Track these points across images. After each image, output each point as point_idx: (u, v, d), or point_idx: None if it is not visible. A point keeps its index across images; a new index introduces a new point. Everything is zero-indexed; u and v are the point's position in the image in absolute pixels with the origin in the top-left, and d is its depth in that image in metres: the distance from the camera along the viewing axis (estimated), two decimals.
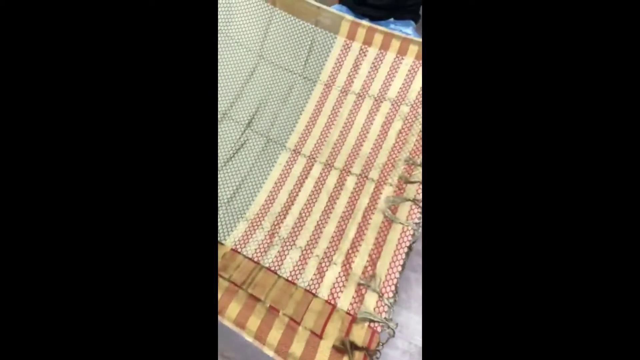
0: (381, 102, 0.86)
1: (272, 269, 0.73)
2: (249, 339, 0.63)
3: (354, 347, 0.63)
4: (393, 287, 0.66)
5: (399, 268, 0.67)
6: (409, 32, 1.09)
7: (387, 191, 0.76)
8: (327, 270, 0.71)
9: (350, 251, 0.72)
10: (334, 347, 0.63)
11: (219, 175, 0.83)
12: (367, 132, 0.84)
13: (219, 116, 0.88)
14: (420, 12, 1.12)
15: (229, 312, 0.65)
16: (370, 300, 0.66)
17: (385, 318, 0.64)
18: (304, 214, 0.78)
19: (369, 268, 0.69)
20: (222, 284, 0.69)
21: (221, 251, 0.74)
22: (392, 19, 1.08)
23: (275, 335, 0.63)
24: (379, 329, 0.64)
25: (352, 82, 0.90)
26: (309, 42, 0.93)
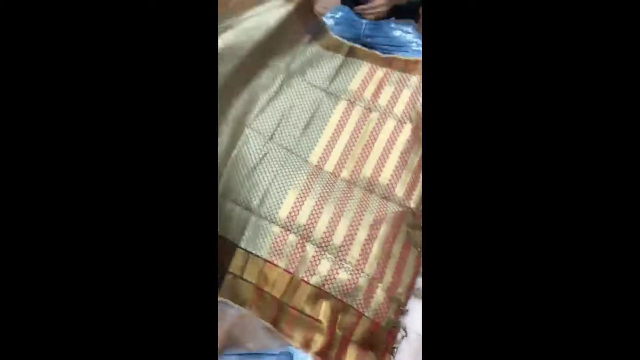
0: (404, 123, 0.91)
1: (305, 279, 0.86)
2: (296, 346, 0.79)
3: (376, 344, 0.79)
4: (409, 300, 0.81)
5: (416, 286, 0.82)
6: (409, 31, 1.10)
7: (409, 215, 0.86)
8: (358, 280, 0.79)
9: (376, 271, 0.80)
10: (360, 346, 0.79)
11: (246, 183, 0.87)
12: (389, 153, 0.89)
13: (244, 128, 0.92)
14: (420, 11, 1.12)
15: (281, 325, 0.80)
16: (393, 309, 0.81)
17: (401, 322, 0.80)
18: (329, 232, 0.83)
19: (394, 285, 0.80)
20: (265, 298, 0.83)
21: (259, 265, 0.85)
22: (392, 19, 1.09)
23: (318, 341, 0.79)
24: (396, 331, 0.80)
25: (377, 101, 0.93)
26: (337, 67, 0.98)
